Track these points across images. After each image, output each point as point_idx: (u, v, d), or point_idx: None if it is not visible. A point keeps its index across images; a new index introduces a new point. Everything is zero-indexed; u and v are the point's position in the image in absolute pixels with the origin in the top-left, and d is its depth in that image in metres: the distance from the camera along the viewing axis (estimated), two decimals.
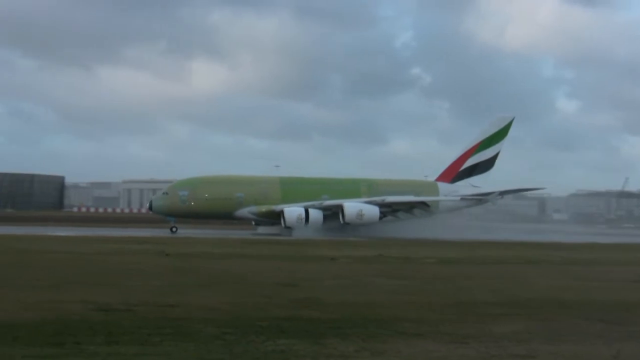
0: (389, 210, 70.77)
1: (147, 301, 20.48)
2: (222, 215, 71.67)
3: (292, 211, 66.58)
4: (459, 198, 74.02)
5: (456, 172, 77.48)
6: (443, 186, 76.73)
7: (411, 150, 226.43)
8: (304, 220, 66.10)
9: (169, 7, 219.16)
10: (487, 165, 77.68)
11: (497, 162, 77.84)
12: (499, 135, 77.85)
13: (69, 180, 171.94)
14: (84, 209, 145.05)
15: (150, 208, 71.16)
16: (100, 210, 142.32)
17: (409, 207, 71.98)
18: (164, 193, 70.59)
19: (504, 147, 78.22)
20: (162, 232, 63.18)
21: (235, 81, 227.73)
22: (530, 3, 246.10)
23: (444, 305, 21.66)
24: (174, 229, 67.17)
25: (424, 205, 71.92)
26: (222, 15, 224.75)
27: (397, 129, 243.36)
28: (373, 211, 68.20)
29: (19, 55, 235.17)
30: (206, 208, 69.56)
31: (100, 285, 24.33)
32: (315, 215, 66.92)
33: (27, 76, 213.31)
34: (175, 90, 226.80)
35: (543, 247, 54.06)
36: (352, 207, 67.60)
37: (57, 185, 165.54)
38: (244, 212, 69.82)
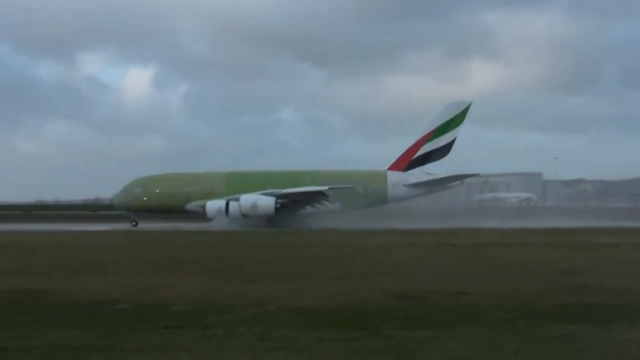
0: (286, 201, 67.82)
1: (438, 289, 20.52)
2: (173, 209, 71.91)
3: (213, 204, 67.06)
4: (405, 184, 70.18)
5: (409, 160, 72.73)
6: (393, 175, 72.51)
7: None
8: (224, 212, 66.28)
9: (446, 13, 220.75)
10: (442, 152, 72.37)
11: (454, 148, 72.46)
12: (455, 121, 72.41)
13: None
14: None
15: (112, 204, 75.00)
16: None
17: (308, 197, 68.31)
18: (122, 190, 72.93)
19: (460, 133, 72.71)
20: (445, 225, 62.67)
21: (510, 78, 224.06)
22: None
23: None
24: (133, 223, 70.34)
25: (322, 195, 67.91)
26: (497, 16, 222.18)
27: None
28: (267, 202, 66.61)
29: (310, 68, 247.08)
30: (158, 203, 71.45)
31: (394, 275, 24.75)
32: (235, 207, 66.20)
33: (318, 86, 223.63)
34: (454, 90, 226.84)
35: None
36: (247, 198, 66.73)
37: None
38: (192, 206, 70.42)
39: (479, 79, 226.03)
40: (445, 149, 72.58)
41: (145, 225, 69.30)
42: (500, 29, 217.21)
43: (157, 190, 72.37)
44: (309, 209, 69.91)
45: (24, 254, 35.28)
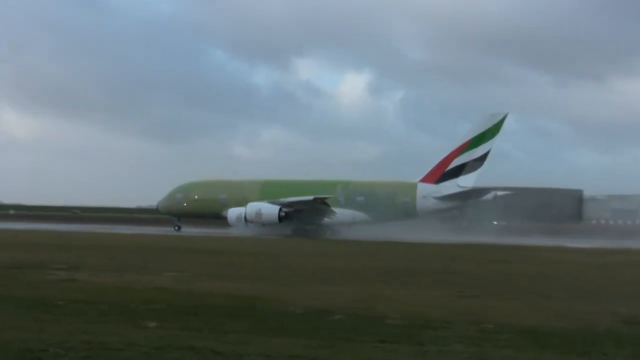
0: (291, 210, 69.61)
1: None
2: (211, 214, 76.04)
3: (233, 211, 71.37)
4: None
5: (442, 172, 72.35)
6: (423, 187, 72.55)
7: None
8: (243, 219, 70.05)
9: None
10: (476, 164, 71.70)
11: (487, 160, 71.88)
12: (490, 132, 72.00)
13: (587, 193, 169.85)
14: (602, 221, 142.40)
15: (157, 209, 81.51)
16: (619, 222, 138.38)
17: (310, 206, 69.66)
18: (166, 196, 78.99)
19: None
20: None
21: None
22: None
23: None
24: (176, 228, 76.28)
25: (324, 204, 69.81)
26: None
27: None
28: (271, 210, 69.37)
29: (534, 72, 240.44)
30: (196, 209, 76.87)
31: (621, 297, 23.66)
32: None
33: (543, 92, 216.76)
34: None
35: None
36: (252, 206, 70.03)
37: (575, 199, 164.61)
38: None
39: None
40: (480, 161, 71.96)
41: (188, 230, 73.62)
42: None
43: (196, 197, 77.54)
44: (334, 218, 71.96)
45: (241, 260, 36.93)
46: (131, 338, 14.63)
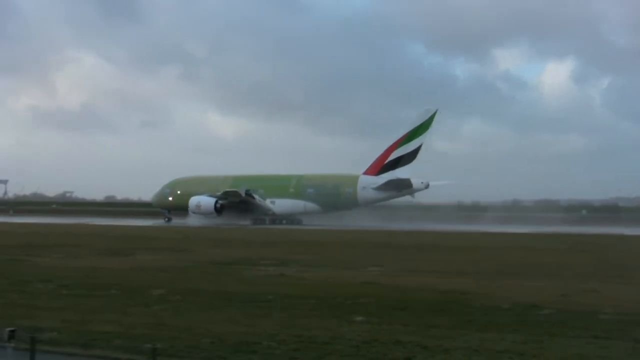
0: (226, 201, 77.86)
1: None
2: None
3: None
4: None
5: (382, 165, 77.90)
6: (364, 179, 79.03)
7: None
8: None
9: None
10: (410, 157, 76.98)
11: (420, 153, 76.80)
12: (422, 127, 76.98)
13: None
14: None
15: (152, 203, 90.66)
16: None
17: (238, 197, 77.21)
18: (158, 191, 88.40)
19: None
20: None
21: None
22: None
23: None
24: (166, 219, 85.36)
25: (249, 196, 77.91)
26: None
27: None
28: (208, 202, 78.78)
29: None
30: (180, 202, 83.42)
31: None
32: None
33: None
34: None
35: None
36: (194, 199, 79.67)
37: None
38: None
39: None
40: (413, 155, 76.92)
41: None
42: None
43: (179, 191, 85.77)
44: (287, 208, 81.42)
45: (438, 255, 36.68)
46: (339, 332, 14.88)
